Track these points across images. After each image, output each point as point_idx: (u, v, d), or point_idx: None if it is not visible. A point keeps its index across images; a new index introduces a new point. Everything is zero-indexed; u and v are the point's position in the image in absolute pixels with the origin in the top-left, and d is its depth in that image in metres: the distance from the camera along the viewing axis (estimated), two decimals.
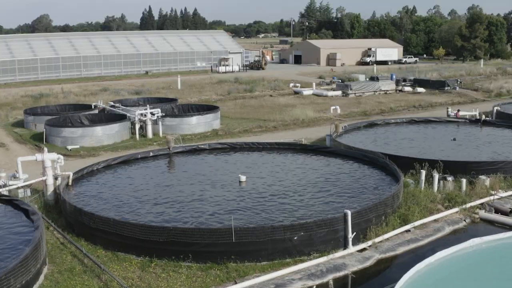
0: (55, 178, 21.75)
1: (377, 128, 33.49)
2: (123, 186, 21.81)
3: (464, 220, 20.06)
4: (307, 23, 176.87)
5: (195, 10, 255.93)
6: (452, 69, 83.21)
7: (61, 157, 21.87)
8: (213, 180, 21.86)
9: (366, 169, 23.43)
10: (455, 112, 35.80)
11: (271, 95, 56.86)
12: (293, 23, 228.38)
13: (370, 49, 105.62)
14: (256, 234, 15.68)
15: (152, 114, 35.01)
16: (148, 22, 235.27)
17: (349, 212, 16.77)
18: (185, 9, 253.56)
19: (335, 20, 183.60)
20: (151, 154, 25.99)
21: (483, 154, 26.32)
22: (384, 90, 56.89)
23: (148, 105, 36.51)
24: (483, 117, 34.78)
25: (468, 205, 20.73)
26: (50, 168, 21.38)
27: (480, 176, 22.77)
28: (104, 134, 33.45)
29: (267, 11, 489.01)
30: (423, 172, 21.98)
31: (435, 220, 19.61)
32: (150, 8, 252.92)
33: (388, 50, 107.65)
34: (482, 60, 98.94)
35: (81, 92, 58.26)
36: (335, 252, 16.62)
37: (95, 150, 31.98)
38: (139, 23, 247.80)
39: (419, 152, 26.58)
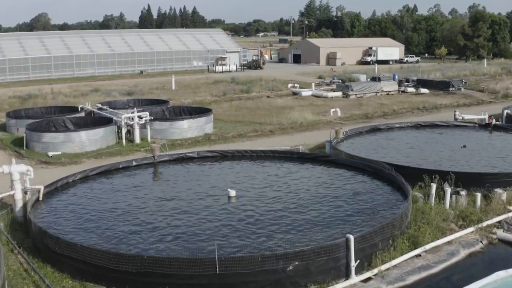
0: (25, 193, 19.59)
1: (380, 133, 31.28)
2: (101, 201, 19.58)
3: (481, 242, 17.83)
4: (306, 22, 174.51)
5: (194, 8, 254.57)
6: (455, 68, 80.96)
7: (31, 169, 19.65)
8: (199, 195, 19.63)
9: (369, 182, 21.20)
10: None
11: (268, 96, 54.64)
12: (293, 22, 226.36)
13: (371, 48, 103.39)
14: (243, 265, 13.45)
15: (140, 117, 32.79)
16: (147, 21, 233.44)
17: (351, 237, 14.55)
18: (184, 7, 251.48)
19: (335, 19, 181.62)
20: (134, 163, 23.76)
21: (496, 163, 24.09)
22: (386, 91, 54.66)
23: (135, 108, 34.24)
24: (494, 121, 32.55)
25: (485, 223, 18.52)
26: (19, 181, 19.17)
27: (495, 190, 20.55)
28: (88, 140, 31.23)
29: (267, 10, 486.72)
30: (434, 186, 19.76)
31: (449, 242, 17.38)
32: (149, 6, 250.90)
33: (389, 49, 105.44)
34: (485, 59, 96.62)
35: (71, 92, 56.02)
36: (335, 283, 14.39)
37: (78, 157, 29.78)
38: (138, 22, 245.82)
39: (426, 161, 24.37)
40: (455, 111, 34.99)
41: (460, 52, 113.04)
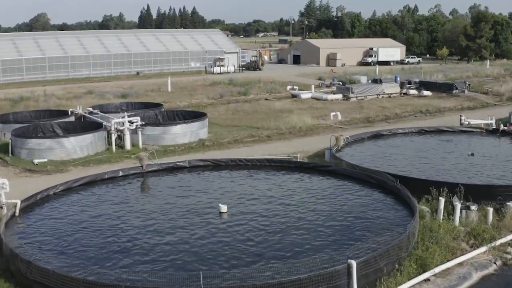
0: (0, 207, 18.15)
1: (383, 139, 29.79)
2: (83, 217, 18.07)
3: (494, 263, 16.35)
4: (306, 22, 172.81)
5: (194, 8, 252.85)
6: (457, 70, 79.37)
7: (6, 182, 18.21)
8: (188, 210, 18.12)
9: (372, 195, 19.70)
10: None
11: (266, 99, 53.11)
12: (293, 22, 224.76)
13: (371, 49, 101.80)
14: None
15: (131, 122, 31.28)
16: (146, 21, 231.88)
17: (353, 263, 13.08)
18: (184, 7, 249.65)
19: (335, 19, 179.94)
20: (121, 173, 22.24)
21: (507, 173, 22.58)
22: (387, 94, 53.13)
23: (125, 113, 32.70)
24: (501, 126, 31.07)
25: (498, 242, 17.05)
26: None
27: (508, 203, 19.09)
28: (75, 146, 29.72)
29: (267, 10, 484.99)
30: (442, 201, 18.28)
31: (460, 264, 15.90)
32: (148, 7, 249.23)
33: (390, 50, 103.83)
34: (488, 60, 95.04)
35: (64, 95, 54.44)
36: None
37: (64, 165, 28.28)
38: (137, 22, 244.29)
39: (433, 170, 22.91)
40: (460, 116, 33.48)
41: (462, 53, 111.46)
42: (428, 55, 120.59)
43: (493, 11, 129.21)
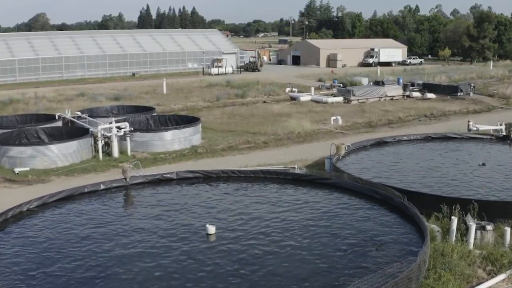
0: None
1: (387, 147, 27.96)
2: (57, 238, 16.18)
3: None
4: (307, 22, 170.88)
5: (194, 9, 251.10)
6: (461, 71, 77.50)
7: None
8: (171, 231, 16.23)
9: (376, 213, 17.85)
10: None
11: (264, 101, 51.27)
12: (293, 22, 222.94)
13: (372, 49, 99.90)
14: None
15: (119, 128, 29.45)
16: (146, 21, 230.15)
17: None
18: (184, 8, 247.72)
19: (336, 19, 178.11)
20: (102, 187, 20.40)
21: None
22: (390, 96, 51.30)
23: (113, 118, 30.88)
24: None
25: None
26: None
27: None
28: (59, 154, 27.93)
29: (267, 10, 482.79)
30: (455, 220, 16.44)
31: None
32: (148, 7, 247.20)
33: (392, 51, 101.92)
34: (491, 61, 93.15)
35: (55, 97, 52.62)
36: None
37: (47, 174, 26.52)
38: (137, 22, 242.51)
39: (441, 183, 21.10)
40: (469, 121, 31.64)
41: (464, 54, 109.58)
42: (430, 56, 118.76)
43: (495, 11, 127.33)
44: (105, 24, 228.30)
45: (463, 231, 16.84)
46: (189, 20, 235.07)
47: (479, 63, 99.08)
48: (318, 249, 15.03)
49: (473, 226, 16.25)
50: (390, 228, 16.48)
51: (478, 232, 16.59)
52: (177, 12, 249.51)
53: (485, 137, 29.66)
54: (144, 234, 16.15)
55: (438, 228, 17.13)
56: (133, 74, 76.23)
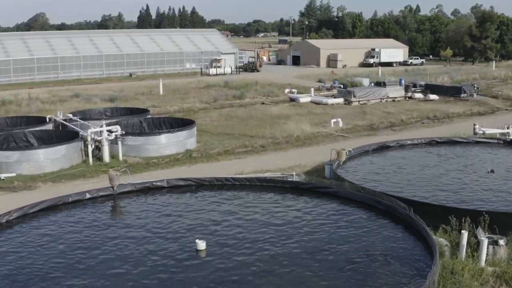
0: None
1: (390, 152, 26.71)
2: (37, 254, 14.92)
3: None
4: (307, 22, 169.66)
5: (193, 9, 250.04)
6: (463, 71, 76.26)
7: None
8: (158, 247, 14.95)
9: (380, 226, 16.57)
10: None
11: (263, 103, 50.05)
12: (293, 22, 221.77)
13: (373, 49, 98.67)
14: None
15: (110, 131, 28.23)
16: (145, 21, 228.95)
17: None
18: (183, 7, 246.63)
19: (336, 19, 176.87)
20: (88, 196, 19.15)
21: None
22: (392, 97, 50.10)
23: (104, 122, 29.67)
24: None
25: None
26: None
27: None
28: (47, 159, 26.71)
29: (267, 10, 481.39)
30: (465, 235, 15.21)
31: None
32: (147, 6, 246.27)
33: (393, 51, 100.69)
34: (493, 62, 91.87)
35: (49, 98, 51.39)
36: None
37: (34, 180, 25.32)
38: (136, 22, 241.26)
39: (448, 191, 19.87)
40: (474, 125, 30.39)
41: (466, 54, 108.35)
42: (431, 56, 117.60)
43: (496, 11, 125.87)
44: (104, 24, 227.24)
45: (473, 246, 15.62)
46: (189, 20, 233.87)
47: (481, 64, 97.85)
48: (315, 266, 13.79)
49: (485, 241, 14.99)
50: (395, 244, 15.21)
51: (490, 247, 15.36)
52: (177, 12, 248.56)
53: (492, 141, 28.43)
54: (125, 251, 14.85)
55: (447, 242, 15.90)
56: (130, 75, 75.02)
